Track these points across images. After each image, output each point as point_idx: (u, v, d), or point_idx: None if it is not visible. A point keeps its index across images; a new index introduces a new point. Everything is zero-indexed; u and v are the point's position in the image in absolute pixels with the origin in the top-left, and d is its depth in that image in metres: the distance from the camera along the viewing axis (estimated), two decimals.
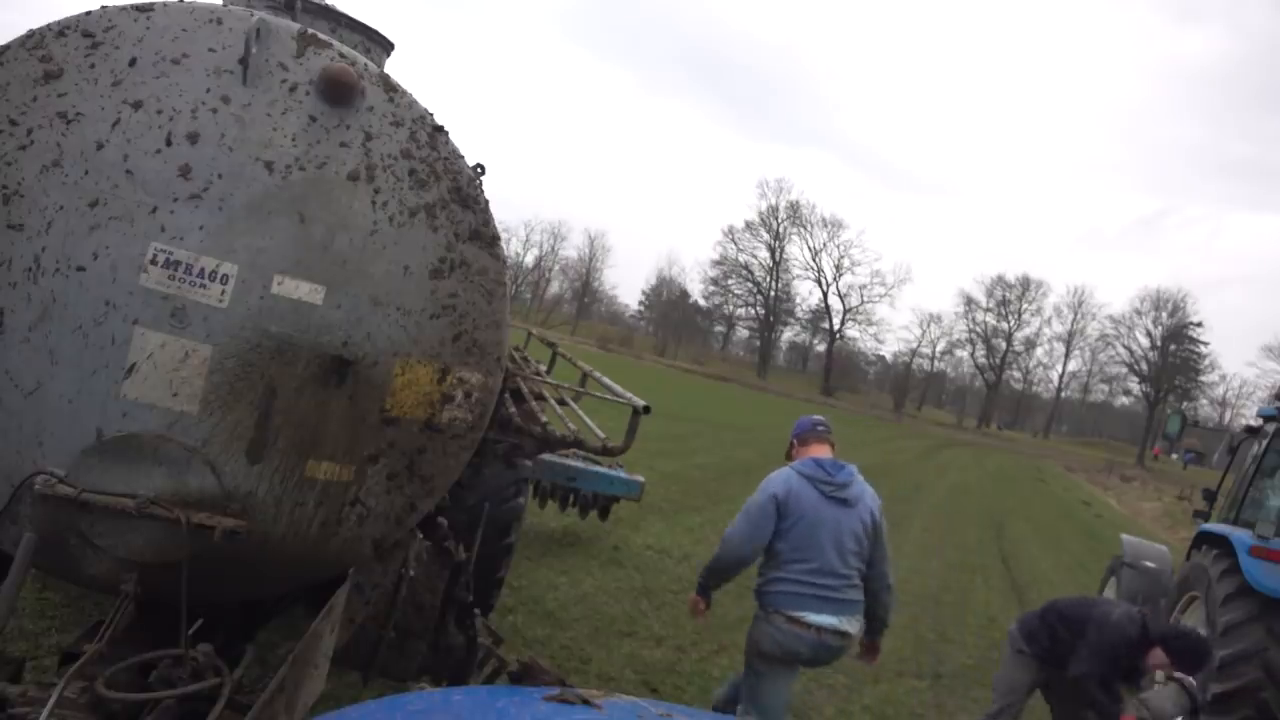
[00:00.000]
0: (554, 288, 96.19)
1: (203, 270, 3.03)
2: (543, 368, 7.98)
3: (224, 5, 3.30)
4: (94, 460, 3.01)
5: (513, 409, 5.26)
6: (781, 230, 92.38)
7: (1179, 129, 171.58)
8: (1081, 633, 5.26)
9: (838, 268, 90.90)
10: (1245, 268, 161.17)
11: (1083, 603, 5.61)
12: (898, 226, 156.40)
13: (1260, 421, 8.35)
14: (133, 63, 3.03)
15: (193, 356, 3.04)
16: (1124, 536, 10.71)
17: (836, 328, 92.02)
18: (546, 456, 6.91)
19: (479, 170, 3.50)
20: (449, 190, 3.36)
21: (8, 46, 2.99)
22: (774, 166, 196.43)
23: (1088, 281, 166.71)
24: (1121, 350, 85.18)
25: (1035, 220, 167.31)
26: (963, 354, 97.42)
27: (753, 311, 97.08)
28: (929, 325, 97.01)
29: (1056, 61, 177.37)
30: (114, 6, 3.09)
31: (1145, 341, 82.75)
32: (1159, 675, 5.61)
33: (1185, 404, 74.09)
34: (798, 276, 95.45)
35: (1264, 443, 8.01)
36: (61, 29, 3.02)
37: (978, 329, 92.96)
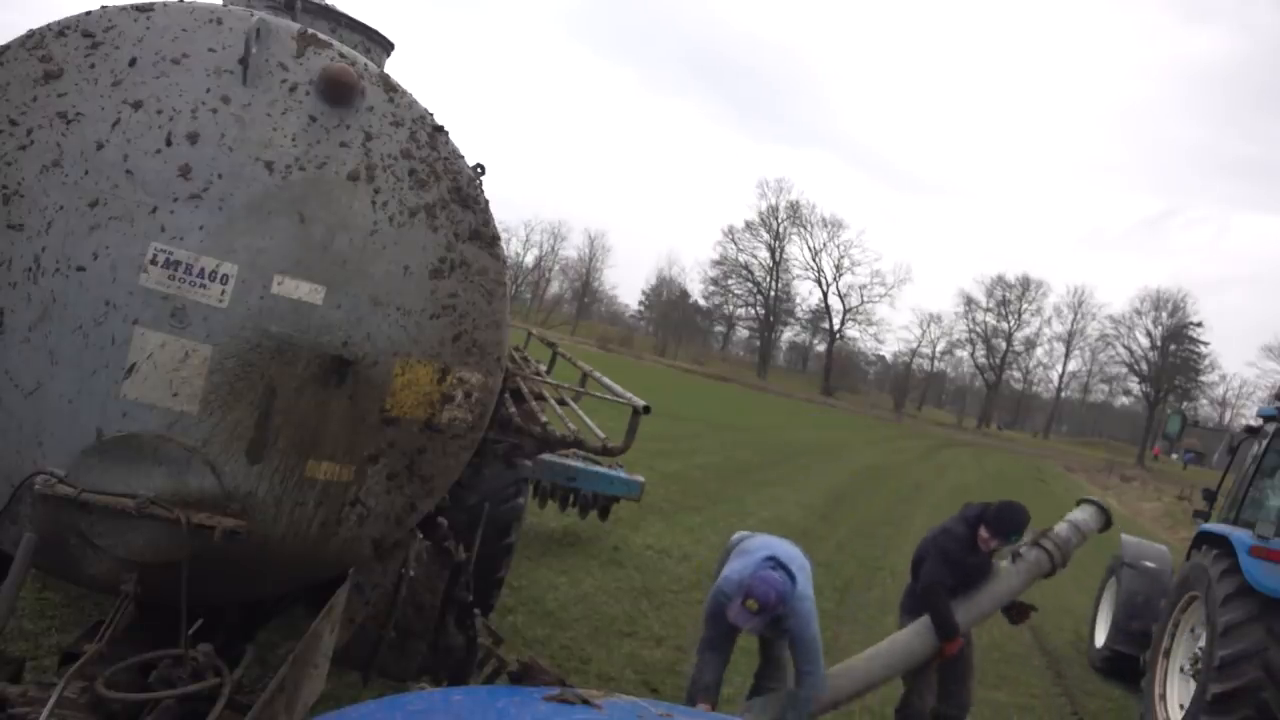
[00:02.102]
0: (554, 288, 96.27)
1: (203, 270, 3.03)
2: (543, 368, 7.98)
3: (224, 5, 3.30)
4: (94, 460, 3.01)
5: (513, 409, 5.26)
6: (781, 230, 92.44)
7: (1183, 129, 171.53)
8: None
9: (838, 268, 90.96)
10: (1248, 268, 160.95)
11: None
12: (898, 226, 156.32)
13: (1260, 421, 8.34)
14: (133, 63, 3.03)
15: (193, 356, 3.04)
16: (1124, 536, 10.67)
17: (836, 328, 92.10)
18: (546, 456, 6.91)
19: (479, 170, 3.50)
20: (449, 190, 3.36)
21: (8, 46, 2.99)
22: (775, 167, 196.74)
23: (1088, 282, 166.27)
24: (1121, 350, 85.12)
25: (1036, 220, 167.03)
26: (963, 354, 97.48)
27: (753, 311, 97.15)
28: (929, 325, 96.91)
29: (1060, 61, 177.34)
30: (114, 6, 3.09)
31: (1145, 341, 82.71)
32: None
33: (1185, 404, 73.97)
34: (798, 276, 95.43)
35: (1264, 443, 8.00)
36: (61, 29, 3.02)
37: (978, 329, 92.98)
